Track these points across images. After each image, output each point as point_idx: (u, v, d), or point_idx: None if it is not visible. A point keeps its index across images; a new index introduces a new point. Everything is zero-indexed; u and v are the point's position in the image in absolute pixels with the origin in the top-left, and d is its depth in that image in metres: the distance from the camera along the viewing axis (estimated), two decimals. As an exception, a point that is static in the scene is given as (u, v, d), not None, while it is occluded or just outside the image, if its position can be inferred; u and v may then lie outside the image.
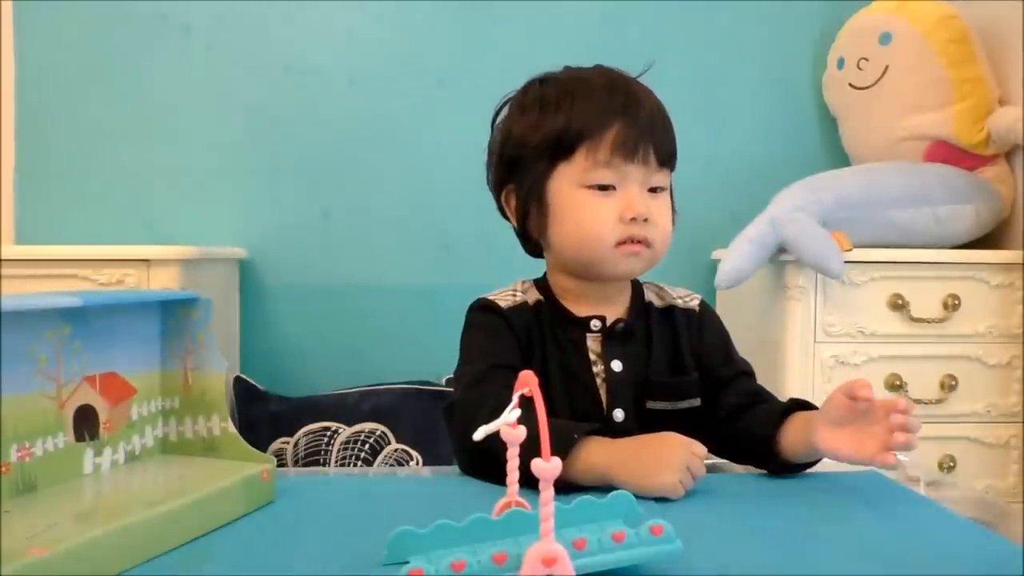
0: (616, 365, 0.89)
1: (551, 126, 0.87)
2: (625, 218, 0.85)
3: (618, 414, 0.88)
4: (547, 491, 0.46)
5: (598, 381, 0.89)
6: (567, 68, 0.93)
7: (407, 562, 0.52)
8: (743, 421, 0.87)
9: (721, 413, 0.90)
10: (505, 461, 0.57)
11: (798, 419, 0.81)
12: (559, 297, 0.93)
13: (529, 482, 0.52)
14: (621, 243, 0.86)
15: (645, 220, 0.86)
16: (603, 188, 0.86)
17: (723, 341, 0.96)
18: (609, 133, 0.85)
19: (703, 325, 0.95)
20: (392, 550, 0.54)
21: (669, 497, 0.72)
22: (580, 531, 0.54)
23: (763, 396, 0.91)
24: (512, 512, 0.55)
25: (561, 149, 0.87)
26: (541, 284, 0.95)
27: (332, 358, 1.98)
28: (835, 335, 1.58)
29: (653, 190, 0.88)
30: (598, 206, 0.86)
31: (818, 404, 0.81)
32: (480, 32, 1.99)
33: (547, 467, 0.46)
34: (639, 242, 0.86)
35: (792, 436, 0.80)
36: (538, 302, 0.93)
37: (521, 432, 0.56)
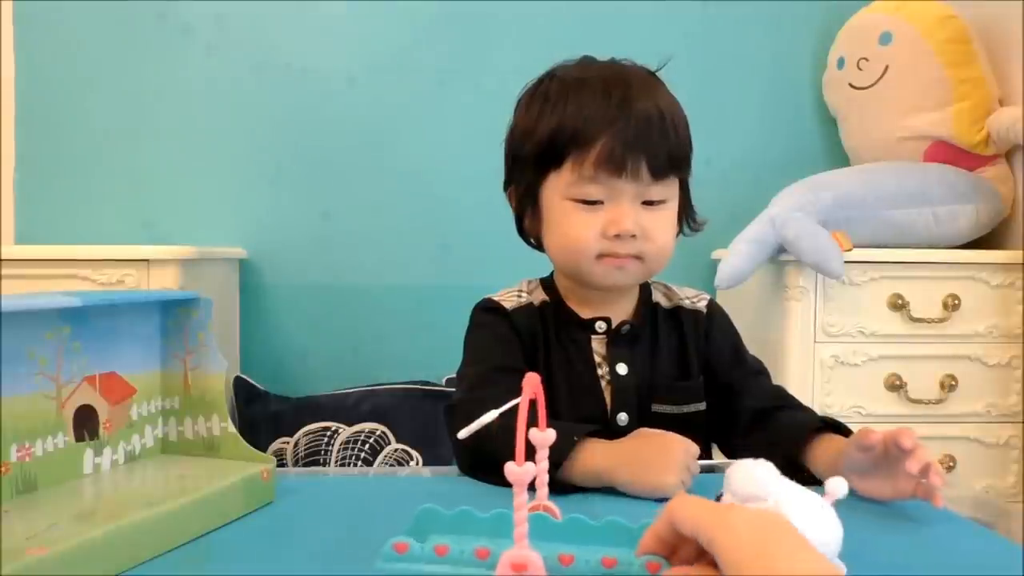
0: (621, 368, 0.88)
1: (545, 127, 0.85)
2: (608, 234, 0.83)
3: (622, 417, 0.87)
4: (520, 496, 0.46)
5: (602, 384, 0.89)
6: (583, 58, 0.90)
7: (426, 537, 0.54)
8: (768, 431, 0.84)
9: (743, 420, 0.88)
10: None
11: (828, 445, 0.77)
12: (564, 298, 0.92)
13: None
14: (605, 256, 0.84)
15: (633, 236, 0.83)
16: (590, 203, 0.83)
17: (732, 342, 0.95)
18: (596, 146, 0.81)
19: (711, 327, 0.93)
20: (416, 524, 0.56)
21: (671, 498, 0.72)
22: (579, 548, 0.53)
23: (785, 399, 0.90)
24: (536, 515, 0.55)
25: (552, 156, 0.85)
26: (548, 284, 0.94)
27: (332, 358, 1.98)
28: (835, 335, 1.58)
29: (650, 203, 0.84)
30: (583, 220, 0.84)
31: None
32: (480, 32, 1.99)
33: (519, 471, 0.46)
34: (626, 256, 0.84)
35: (821, 462, 0.77)
36: (543, 303, 0.92)
37: (550, 435, 0.56)
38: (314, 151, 1.97)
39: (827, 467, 0.76)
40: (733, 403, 0.90)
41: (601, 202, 0.83)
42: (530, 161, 0.87)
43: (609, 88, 0.83)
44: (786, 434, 0.81)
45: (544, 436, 0.56)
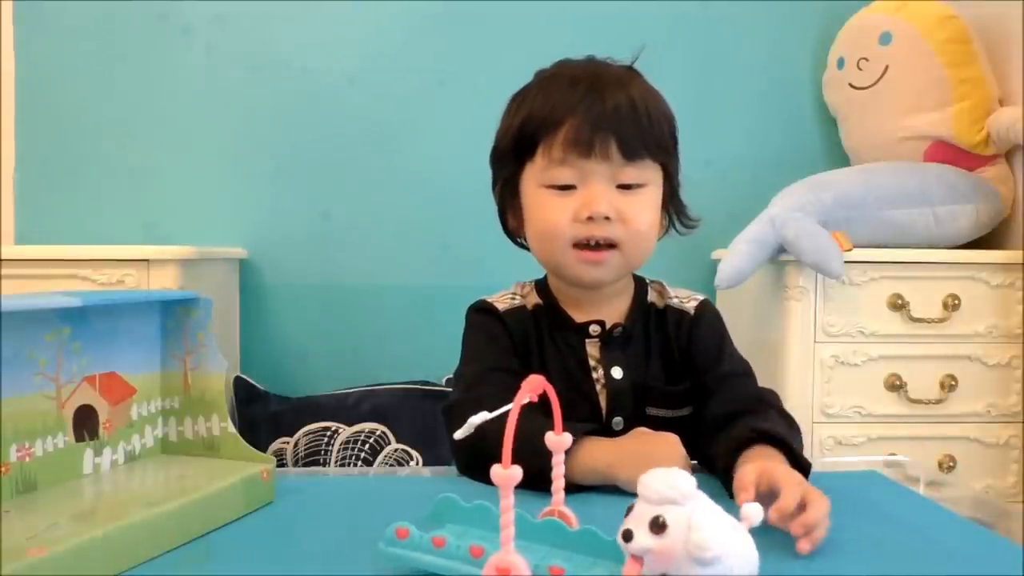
0: (616, 372, 0.88)
1: (518, 120, 0.86)
2: (581, 216, 0.82)
3: (617, 421, 0.87)
4: (507, 499, 0.45)
5: (598, 387, 0.88)
6: (562, 59, 0.91)
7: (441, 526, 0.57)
8: (718, 440, 0.77)
9: (705, 425, 0.82)
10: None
11: (746, 457, 0.71)
12: (558, 300, 0.91)
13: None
14: (578, 245, 0.83)
15: (607, 219, 0.82)
16: (563, 188, 0.83)
17: (716, 343, 0.90)
18: (562, 130, 0.82)
19: (694, 327, 0.90)
20: (435, 511, 0.58)
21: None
22: (571, 561, 0.52)
23: (754, 404, 0.82)
24: (549, 521, 0.55)
25: (524, 146, 0.85)
26: (541, 287, 0.94)
27: (332, 358, 1.98)
28: (835, 335, 1.58)
29: (627, 187, 0.83)
30: (556, 205, 0.83)
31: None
32: (480, 32, 1.99)
33: (505, 474, 0.45)
34: (599, 246, 0.83)
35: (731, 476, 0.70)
36: (536, 306, 0.91)
37: (566, 440, 0.56)
38: (314, 151, 1.97)
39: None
40: (702, 407, 0.86)
41: (574, 187, 0.83)
42: (507, 155, 0.88)
43: (578, 79, 0.84)
44: (724, 448, 0.75)
45: (560, 440, 0.55)
